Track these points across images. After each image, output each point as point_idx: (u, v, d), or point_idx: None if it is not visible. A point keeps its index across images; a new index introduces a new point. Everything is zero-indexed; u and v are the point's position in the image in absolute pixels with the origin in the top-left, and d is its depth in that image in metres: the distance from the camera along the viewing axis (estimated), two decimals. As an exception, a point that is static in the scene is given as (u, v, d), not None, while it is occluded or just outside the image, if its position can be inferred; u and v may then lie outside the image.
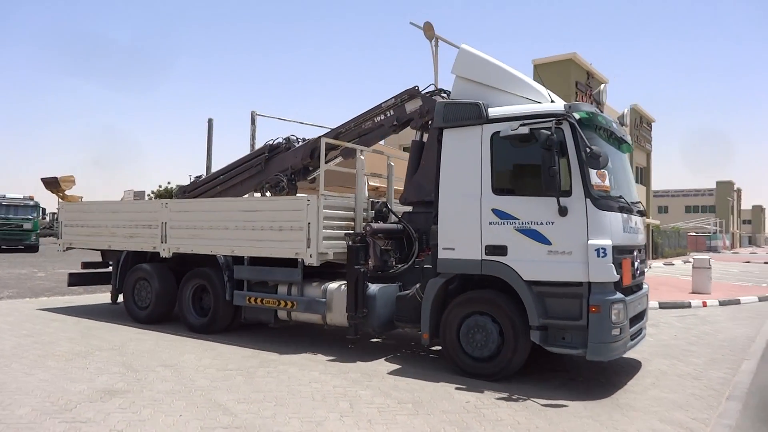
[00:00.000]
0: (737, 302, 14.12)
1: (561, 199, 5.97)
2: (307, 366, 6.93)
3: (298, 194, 9.66)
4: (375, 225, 7.74)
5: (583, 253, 5.91)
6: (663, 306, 12.89)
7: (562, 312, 6.05)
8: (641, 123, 34.41)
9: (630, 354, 6.96)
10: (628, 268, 6.34)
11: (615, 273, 5.92)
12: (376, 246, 7.69)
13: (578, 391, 6.16)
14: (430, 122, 8.00)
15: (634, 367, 7.27)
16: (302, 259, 7.84)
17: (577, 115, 6.14)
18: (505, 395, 5.85)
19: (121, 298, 10.29)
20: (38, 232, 31.19)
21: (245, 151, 25.76)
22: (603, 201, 6.04)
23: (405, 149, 18.65)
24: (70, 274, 11.22)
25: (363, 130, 8.92)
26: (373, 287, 7.40)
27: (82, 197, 44.04)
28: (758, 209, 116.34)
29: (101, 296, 12.59)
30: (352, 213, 8.29)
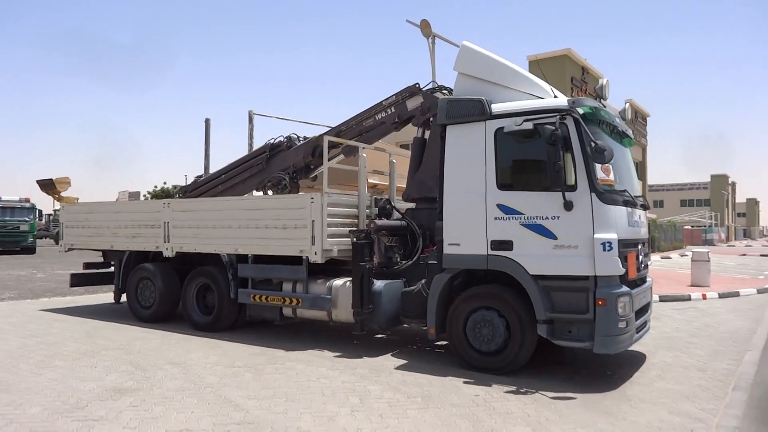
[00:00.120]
0: (736, 294, 14.21)
1: (566, 193, 6.01)
2: (314, 362, 6.96)
3: (300, 192, 9.69)
4: (379, 222, 7.77)
5: (589, 247, 5.95)
6: (663, 299, 12.96)
7: (569, 306, 6.09)
8: (636, 118, 34.57)
9: (634, 347, 7.01)
10: (633, 262, 6.38)
11: (621, 266, 5.96)
12: (381, 242, 7.72)
13: (585, 383, 6.21)
14: (431, 119, 8.05)
15: (638, 359, 7.32)
16: (307, 257, 7.86)
17: (581, 110, 6.18)
18: (513, 388, 5.90)
19: (124, 298, 10.30)
20: (35, 233, 31.09)
21: (243, 150, 25.79)
22: (608, 195, 6.08)
23: (402, 146, 18.67)
24: (72, 275, 11.22)
25: (364, 128, 8.96)
26: (379, 283, 7.43)
27: (78, 198, 43.99)
28: (752, 202, 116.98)
29: (103, 296, 12.58)
30: (356, 210, 8.32)
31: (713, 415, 5.25)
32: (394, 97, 8.58)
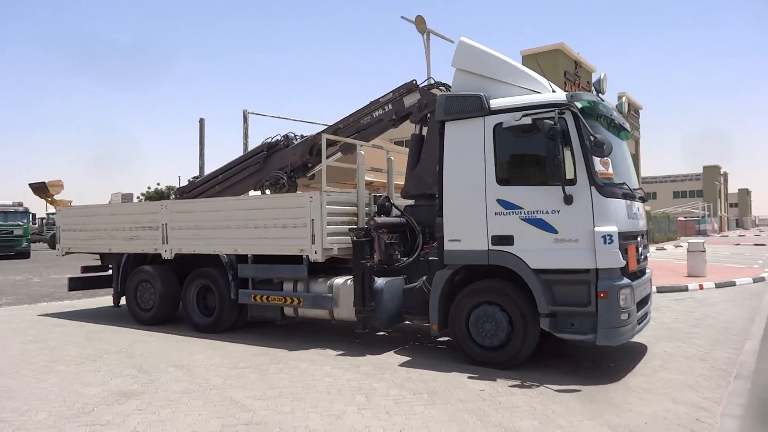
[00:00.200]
0: (733, 284, 14.31)
1: (566, 187, 6.04)
2: (318, 361, 6.97)
3: (298, 191, 9.68)
4: (379, 219, 7.77)
5: (590, 241, 5.98)
6: (661, 290, 13.03)
7: (571, 299, 6.13)
8: (629, 111, 34.67)
9: (635, 338, 7.02)
10: (633, 254, 6.42)
11: (622, 259, 6.00)
12: (381, 240, 7.73)
13: (588, 375, 6.25)
14: (428, 115, 8.05)
15: (639, 350, 7.37)
16: (307, 256, 7.86)
17: (579, 105, 6.20)
18: (518, 382, 5.93)
19: (122, 301, 10.27)
20: (29, 238, 30.89)
21: (239, 150, 25.71)
22: (607, 188, 6.12)
23: (396, 143, 18.69)
24: (70, 279, 11.18)
25: (362, 126, 8.95)
26: (380, 281, 7.44)
27: (71, 201, 43.73)
28: (744, 192, 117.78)
29: (101, 300, 12.53)
30: (355, 208, 8.32)
31: (717, 403, 5.30)
32: (391, 94, 8.58)
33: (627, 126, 7.43)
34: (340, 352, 7.43)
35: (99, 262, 11.25)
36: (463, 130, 6.78)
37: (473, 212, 6.62)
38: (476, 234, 6.60)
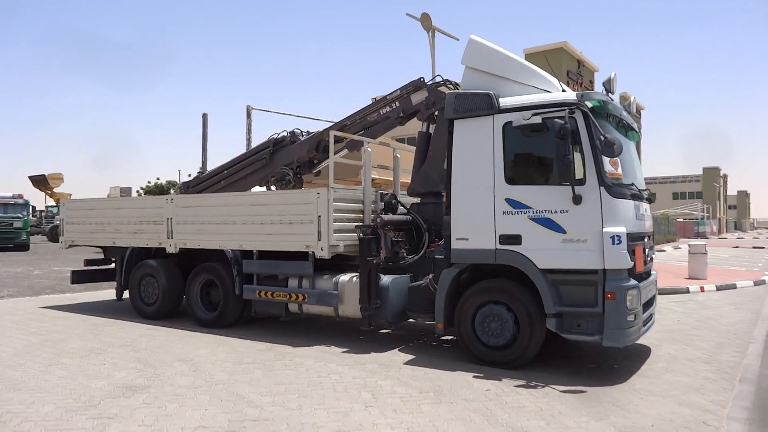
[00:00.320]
0: (733, 287, 14.32)
1: (575, 187, 6.03)
2: (322, 358, 6.97)
3: (304, 187, 9.66)
4: (385, 216, 7.76)
5: (598, 241, 5.98)
6: (662, 292, 12.99)
7: (578, 299, 6.12)
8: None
9: (639, 340, 7.05)
10: (640, 255, 6.43)
11: (629, 260, 5.99)
12: (387, 237, 7.72)
13: (594, 377, 6.26)
14: (436, 113, 8.04)
15: (643, 352, 7.38)
16: (313, 252, 7.85)
17: (589, 104, 6.20)
18: (523, 382, 5.93)
19: (126, 295, 10.26)
20: (29, 230, 30.83)
21: (242, 145, 25.68)
22: (616, 189, 6.11)
23: (398, 140, 18.65)
24: (73, 272, 11.17)
25: (368, 123, 8.94)
26: (386, 278, 7.44)
27: (71, 194, 43.75)
28: (743, 194, 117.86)
29: (103, 293, 12.53)
30: (361, 205, 8.31)
31: (722, 406, 5.31)
32: (398, 91, 8.56)
33: (635, 126, 7.42)
34: (345, 349, 7.43)
35: (100, 255, 11.23)
36: (472, 129, 6.77)
37: (481, 211, 6.61)
38: (484, 233, 6.59)
